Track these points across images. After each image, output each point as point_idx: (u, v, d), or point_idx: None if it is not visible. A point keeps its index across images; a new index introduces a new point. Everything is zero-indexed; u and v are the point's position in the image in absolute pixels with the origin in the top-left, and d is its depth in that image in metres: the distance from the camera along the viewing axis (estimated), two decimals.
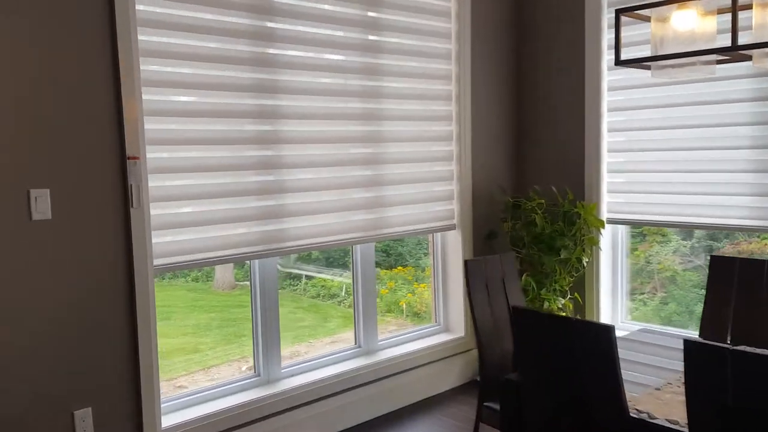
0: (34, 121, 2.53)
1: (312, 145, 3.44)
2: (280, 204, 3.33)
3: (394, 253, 6.65)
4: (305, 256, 6.02)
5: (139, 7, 2.80)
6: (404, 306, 5.75)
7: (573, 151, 4.23)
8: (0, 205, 2.46)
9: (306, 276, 6.75)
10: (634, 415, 2.18)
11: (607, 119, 4.10)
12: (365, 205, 3.70)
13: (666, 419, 2.15)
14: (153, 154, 2.89)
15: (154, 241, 2.90)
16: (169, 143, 2.94)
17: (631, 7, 2.38)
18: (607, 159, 4.13)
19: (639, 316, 4.27)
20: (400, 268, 6.62)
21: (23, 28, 2.49)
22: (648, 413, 2.20)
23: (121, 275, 2.80)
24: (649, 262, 4.30)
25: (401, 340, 4.12)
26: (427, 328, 4.31)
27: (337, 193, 3.57)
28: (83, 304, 2.71)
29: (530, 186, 4.43)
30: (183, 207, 3.00)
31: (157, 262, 2.92)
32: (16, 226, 2.50)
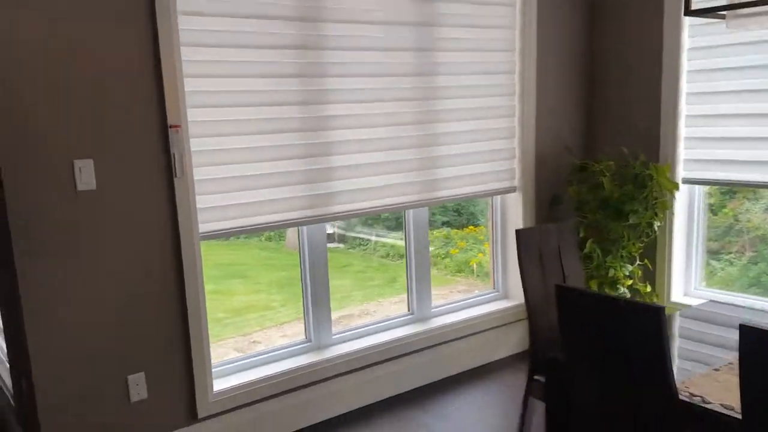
0: (74, 92, 2.58)
1: (361, 105, 3.35)
2: (328, 168, 3.29)
3: (466, 213, 6.58)
4: (374, 217, 6.03)
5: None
6: (474, 266, 5.69)
7: (647, 104, 3.98)
8: (46, 176, 2.54)
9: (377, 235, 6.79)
10: (686, 399, 2.07)
11: (687, 68, 3.82)
12: (417, 167, 3.62)
13: (720, 404, 2.03)
14: (195, 118, 2.89)
15: (198, 206, 2.93)
16: (211, 106, 2.92)
17: None
18: (684, 111, 3.86)
19: (724, 277, 4.04)
20: (471, 227, 6.56)
21: (79, 14, 2.52)
22: (702, 397, 2.08)
23: (167, 244, 2.86)
24: (737, 221, 4.05)
25: (456, 307, 4.06)
26: (485, 294, 4.23)
27: (387, 155, 3.49)
28: (131, 273, 2.79)
29: (600, 147, 4.22)
30: (227, 172, 3.00)
31: (202, 228, 2.96)
32: (62, 197, 2.59)
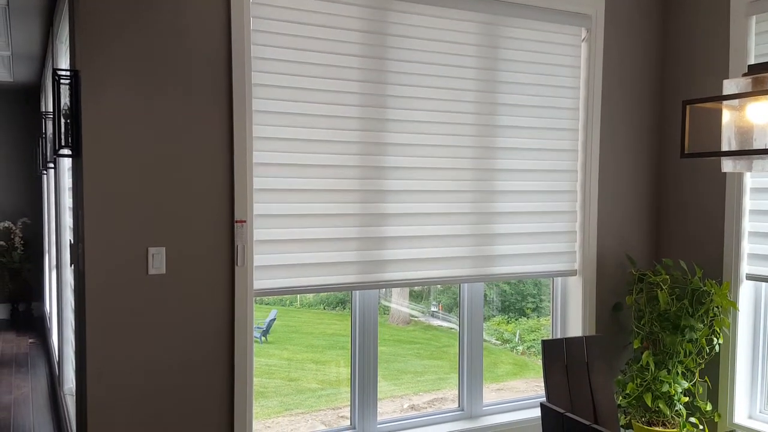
0: (158, 189, 3.15)
1: (418, 185, 3.77)
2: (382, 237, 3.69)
3: (513, 309, 6.88)
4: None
5: (255, 101, 3.35)
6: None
7: (711, 213, 4.13)
8: (123, 261, 3.10)
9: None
10: None
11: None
12: (474, 243, 3.91)
13: None
14: (259, 229, 3.40)
15: (255, 284, 3.41)
16: (274, 217, 3.44)
17: (699, 99, 2.42)
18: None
19: None
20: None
21: (164, 118, 3.14)
22: None
23: (223, 325, 3.33)
24: None
25: (513, 407, 4.24)
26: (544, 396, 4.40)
27: (445, 228, 3.82)
28: (188, 349, 3.26)
29: (666, 251, 4.38)
30: (286, 235, 3.47)
31: (257, 291, 3.42)
32: (135, 279, 3.13)
